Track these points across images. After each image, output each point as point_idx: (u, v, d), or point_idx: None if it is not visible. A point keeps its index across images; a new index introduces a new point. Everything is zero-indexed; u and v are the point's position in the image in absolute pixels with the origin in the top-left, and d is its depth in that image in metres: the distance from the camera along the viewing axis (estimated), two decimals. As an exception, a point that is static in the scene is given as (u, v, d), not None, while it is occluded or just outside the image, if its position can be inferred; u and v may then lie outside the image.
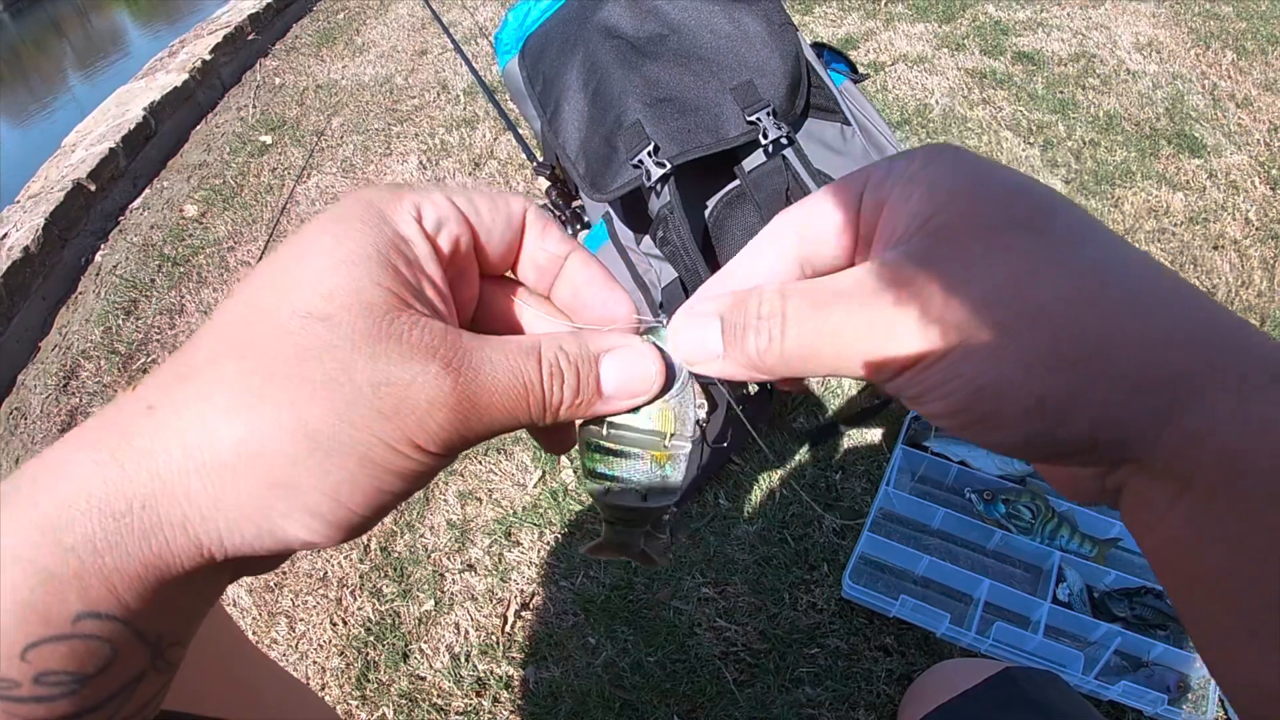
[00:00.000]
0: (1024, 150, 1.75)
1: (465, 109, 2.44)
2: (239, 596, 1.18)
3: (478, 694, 1.01)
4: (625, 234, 1.16)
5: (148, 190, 2.57)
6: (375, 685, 1.04)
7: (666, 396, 0.23)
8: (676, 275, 1.08)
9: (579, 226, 1.28)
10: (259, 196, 2.26)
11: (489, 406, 0.20)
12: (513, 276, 0.25)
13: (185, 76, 2.95)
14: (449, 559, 1.14)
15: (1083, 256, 0.18)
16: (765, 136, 1.04)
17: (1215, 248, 1.48)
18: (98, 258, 2.29)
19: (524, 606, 1.08)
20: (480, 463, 1.26)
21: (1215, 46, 2.16)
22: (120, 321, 1.94)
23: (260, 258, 1.94)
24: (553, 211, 1.34)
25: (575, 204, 1.29)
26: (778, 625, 0.98)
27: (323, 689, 1.05)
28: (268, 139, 2.57)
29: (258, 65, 3.23)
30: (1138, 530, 0.19)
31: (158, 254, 2.14)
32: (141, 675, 0.19)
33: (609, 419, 0.23)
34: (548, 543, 1.12)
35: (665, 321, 0.23)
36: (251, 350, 0.18)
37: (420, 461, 0.19)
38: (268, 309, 0.18)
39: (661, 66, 1.08)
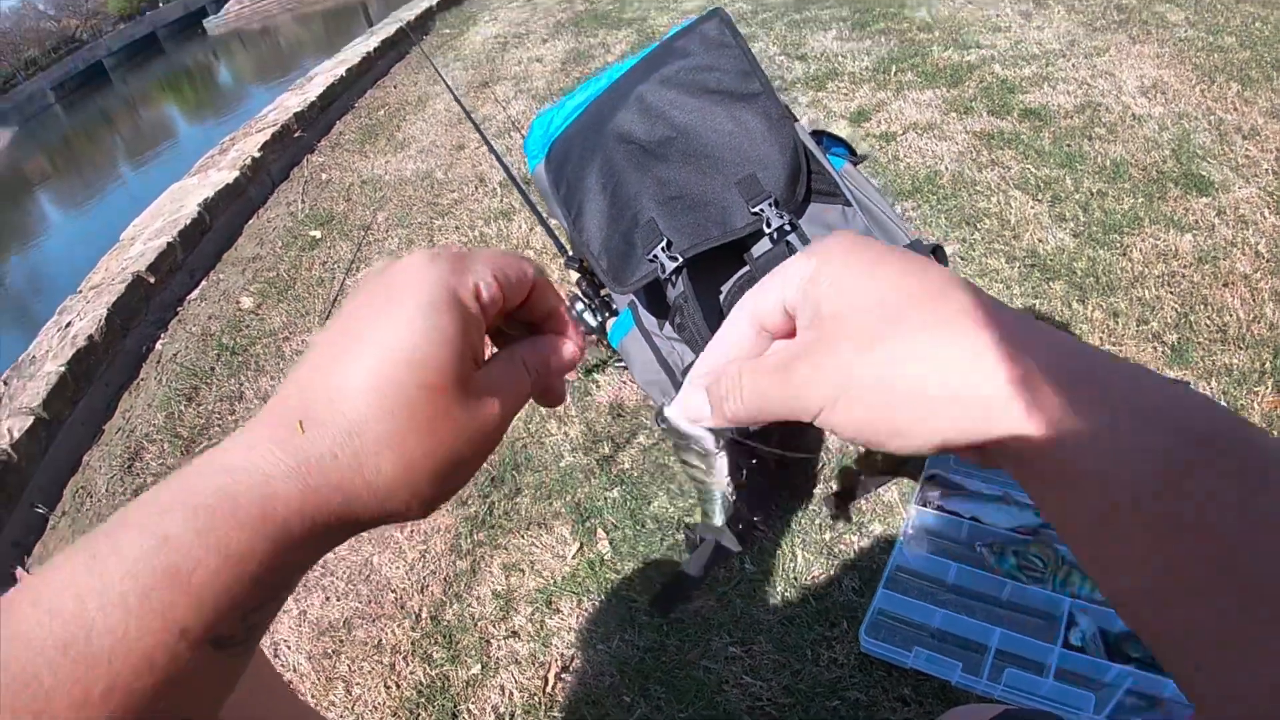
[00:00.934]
0: (1033, 208, 1.81)
1: (502, 201, 2.58)
2: (299, 663, 1.26)
3: (525, 756, 1.08)
4: (649, 320, 1.26)
5: (204, 282, 2.76)
6: (429, 749, 1.11)
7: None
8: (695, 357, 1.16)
9: (607, 314, 1.38)
10: (311, 289, 2.42)
11: (514, 409, 0.31)
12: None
13: (236, 173, 3.17)
14: (494, 626, 1.22)
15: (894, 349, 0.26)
16: (769, 225, 1.14)
17: (1225, 285, 1.50)
18: (158, 346, 2.46)
19: (564, 669, 1.15)
20: (523, 536, 1.34)
21: (1220, 80, 2.20)
22: (182, 407, 2.08)
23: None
24: (583, 300, 1.44)
25: (604, 292, 1.40)
26: (801, 680, 1.04)
27: (381, 754, 1.13)
28: (317, 233, 2.75)
29: (305, 161, 3.46)
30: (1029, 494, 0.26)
31: (216, 343, 2.30)
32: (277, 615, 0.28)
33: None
34: (586, 610, 1.20)
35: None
36: (397, 415, 0.27)
37: (484, 460, 0.31)
38: (401, 381, 0.27)
39: (671, 167, 1.19)
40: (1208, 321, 1.44)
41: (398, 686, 1.19)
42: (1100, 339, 1.43)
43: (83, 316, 2.41)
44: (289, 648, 1.31)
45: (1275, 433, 1.23)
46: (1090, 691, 0.95)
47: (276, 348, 2.19)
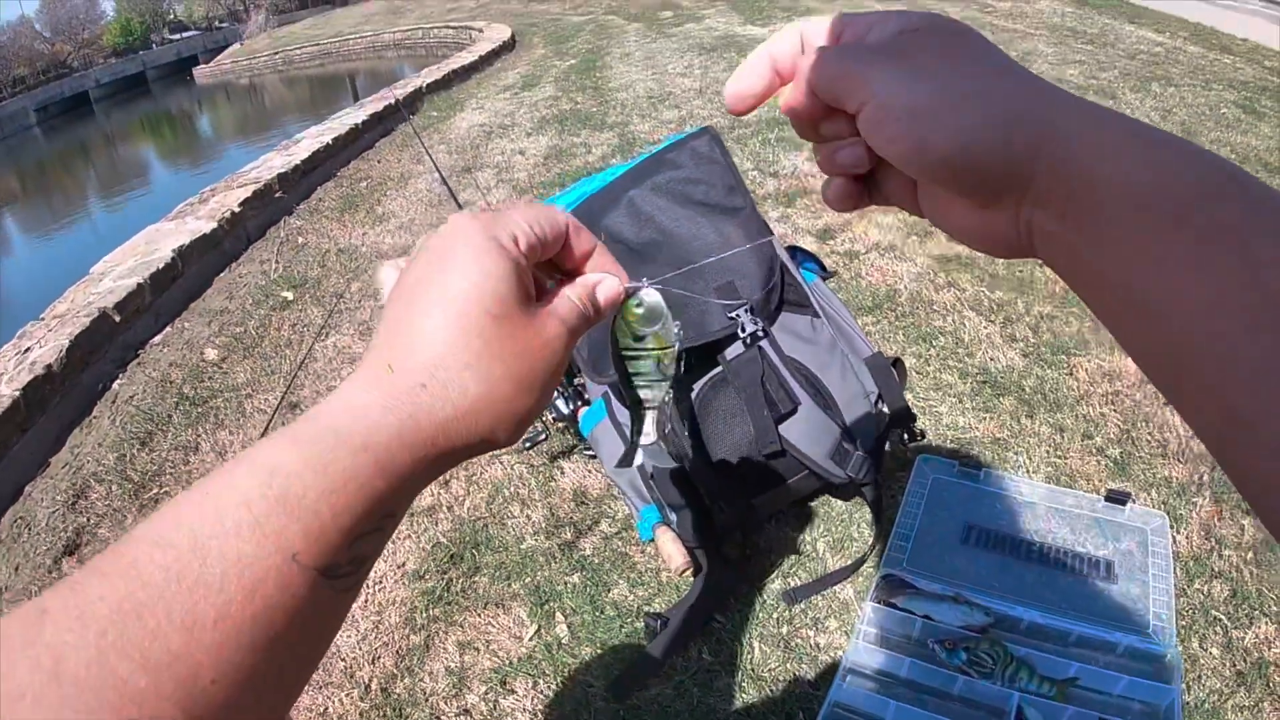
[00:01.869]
0: (985, 328, 1.94)
1: (477, 280, 2.64)
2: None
3: (467, 844, 1.05)
4: (622, 412, 1.31)
5: (169, 328, 2.73)
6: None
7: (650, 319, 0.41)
8: (667, 451, 1.22)
9: (579, 403, 1.44)
10: (279, 349, 2.42)
11: (574, 330, 0.35)
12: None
13: (214, 225, 3.19)
14: (446, 703, 1.21)
15: (980, 59, 0.28)
16: (744, 330, 1.23)
17: (1166, 404, 1.60)
18: (115, 386, 2.41)
19: (515, 755, 1.14)
20: (479, 615, 1.34)
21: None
22: (135, 450, 2.02)
23: (278, 407, 2.06)
24: (557, 389, 1.50)
25: (577, 381, 1.46)
26: (756, 777, 1.05)
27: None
28: (289, 295, 2.77)
29: (283, 222, 3.50)
30: (1048, 260, 0.28)
31: (176, 391, 2.27)
32: (382, 551, 0.30)
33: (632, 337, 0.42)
34: (541, 692, 1.19)
35: (645, 284, 0.41)
36: (473, 344, 0.31)
37: (559, 377, 0.34)
38: (470, 314, 0.31)
39: (656, 268, 1.28)
40: (1149, 437, 1.55)
41: (339, 764, 1.16)
42: (1047, 452, 1.53)
43: (43, 344, 2.36)
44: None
45: (1212, 540, 1.32)
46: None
47: (239, 403, 2.17)
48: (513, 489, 1.62)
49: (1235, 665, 1.13)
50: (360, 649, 1.32)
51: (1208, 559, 1.29)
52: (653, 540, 1.32)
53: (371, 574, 1.48)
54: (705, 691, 1.15)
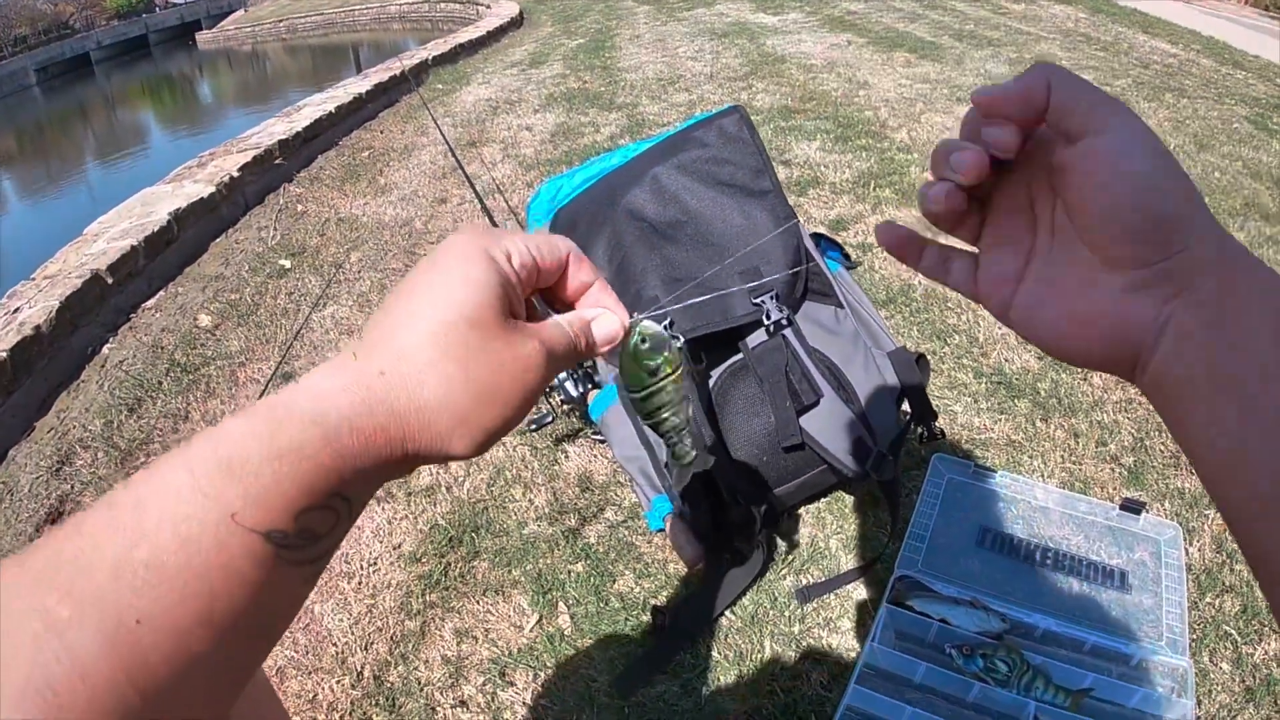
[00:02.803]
0: (1000, 329, 1.90)
1: (480, 257, 2.59)
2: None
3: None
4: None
5: (162, 293, 2.67)
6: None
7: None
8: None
9: (589, 386, 1.39)
10: (274, 318, 2.35)
11: (557, 356, 0.35)
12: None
13: (212, 189, 3.12)
14: (441, 694, 1.16)
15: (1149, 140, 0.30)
16: (768, 317, 1.18)
17: None
18: (105, 350, 2.35)
19: (512, 747, 1.09)
20: (478, 602, 1.30)
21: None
22: (123, 417, 1.97)
23: (272, 376, 2.00)
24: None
25: (586, 364, 1.41)
26: (764, 781, 1.01)
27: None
28: (287, 263, 2.70)
29: (282, 189, 3.42)
30: (1161, 371, 0.30)
31: (168, 357, 2.21)
32: (343, 536, 0.30)
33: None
34: (542, 685, 1.15)
35: (640, 318, 0.40)
36: (440, 342, 0.31)
37: (530, 399, 0.34)
38: (446, 317, 0.31)
39: (680, 249, 1.23)
40: (1162, 447, 1.52)
41: (329, 750, 1.12)
42: (1061, 457, 1.50)
43: (32, 305, 2.29)
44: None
45: (1224, 554, 1.29)
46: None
47: (231, 371, 2.11)
48: (515, 471, 1.57)
49: (1244, 681, 1.11)
50: (353, 633, 1.27)
51: (1219, 573, 1.27)
52: (663, 530, 1.27)
53: (366, 554, 1.43)
54: (713, 690, 1.11)
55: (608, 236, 1.28)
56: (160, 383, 2.10)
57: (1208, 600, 1.22)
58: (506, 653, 1.21)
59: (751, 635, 1.18)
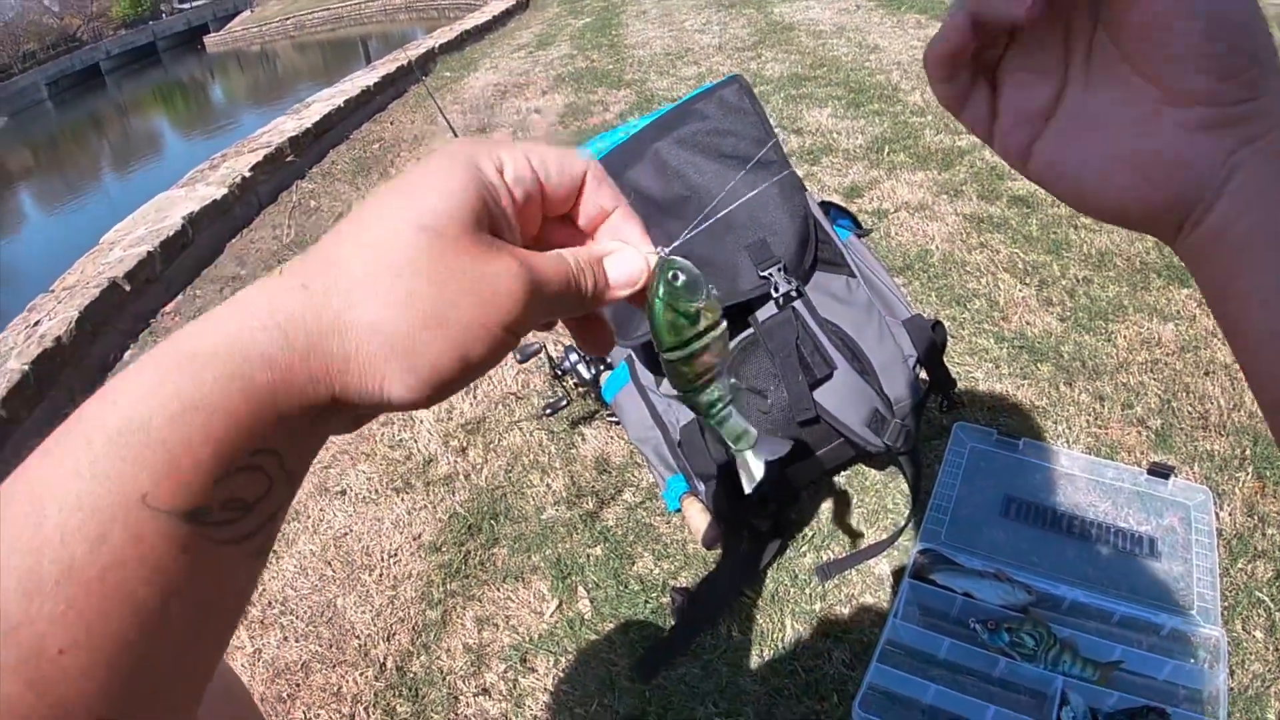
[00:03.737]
0: (1020, 291, 1.86)
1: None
2: (252, 713, 1.19)
3: (488, 825, 1.01)
4: (646, 376, 1.25)
5: (180, 297, 2.70)
6: (385, 812, 1.05)
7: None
8: (694, 417, 1.15)
9: (602, 367, 1.37)
10: (291, 313, 2.37)
11: (546, 291, 0.27)
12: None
13: (225, 190, 3.14)
14: (464, 682, 1.17)
15: None
16: (777, 290, 1.15)
17: (1206, 374, 1.54)
18: (126, 356, 2.39)
19: (536, 733, 1.09)
20: (498, 589, 1.30)
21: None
22: (146, 425, 2.00)
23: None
24: (576, 352, 1.43)
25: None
26: (788, 759, 1.00)
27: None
28: (302, 258, 2.72)
29: (295, 186, 3.44)
30: (1243, 205, 0.26)
31: (188, 360, 2.23)
32: (282, 505, 0.25)
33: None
34: (563, 670, 1.15)
35: (663, 251, 0.32)
36: (383, 251, 0.24)
37: (498, 337, 0.26)
38: (394, 222, 0.25)
39: (684, 225, 1.20)
40: (1190, 409, 1.47)
41: (355, 740, 1.13)
42: (1086, 421, 1.46)
43: (52, 317, 2.33)
44: (241, 690, 1.23)
45: (1255, 518, 1.25)
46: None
47: (251, 371, 2.13)
48: (532, 456, 1.57)
49: (1279, 649, 1.07)
50: (375, 625, 1.28)
51: (1251, 537, 1.22)
52: (679, 511, 1.26)
53: (386, 546, 1.44)
54: (734, 671, 1.10)
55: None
56: (182, 384, 2.12)
57: (1239, 566, 1.18)
58: (527, 639, 1.20)
59: (772, 614, 1.16)
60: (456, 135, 1.75)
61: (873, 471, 1.37)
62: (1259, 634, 1.09)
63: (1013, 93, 0.29)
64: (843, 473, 1.38)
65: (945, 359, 1.28)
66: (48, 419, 2.09)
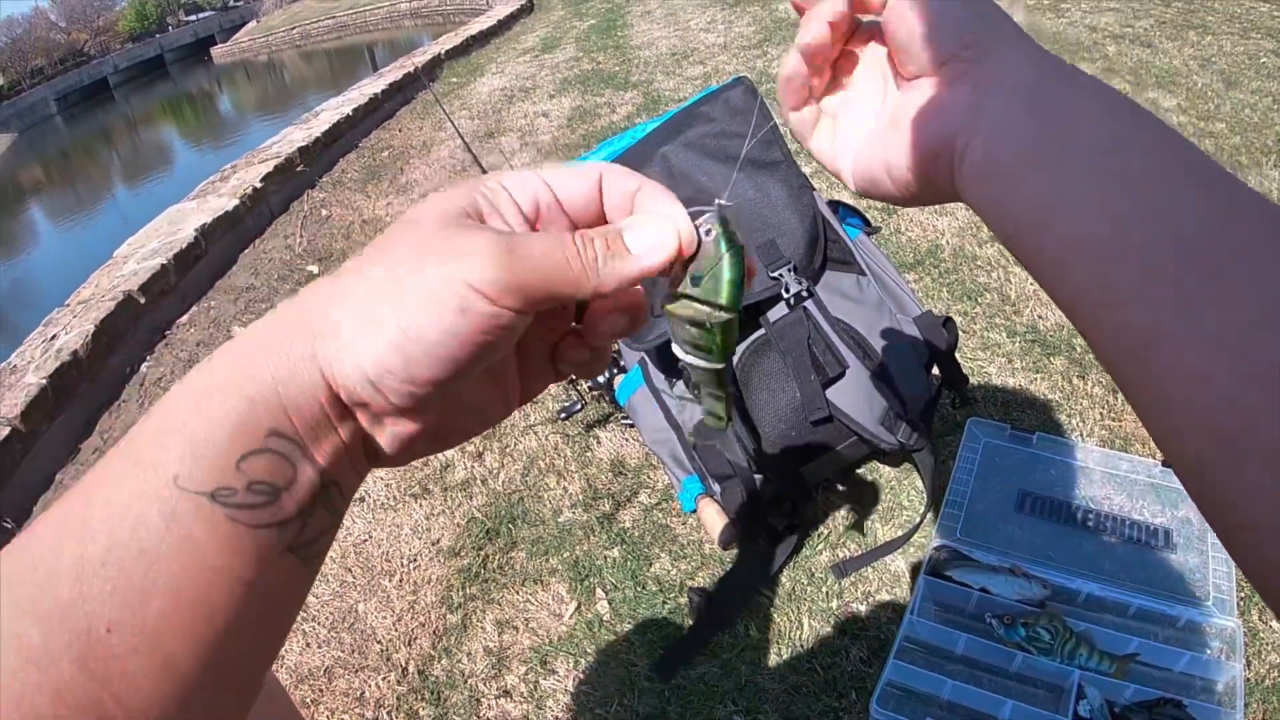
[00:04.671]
0: (1032, 284, 1.85)
1: (503, 247, 2.58)
2: (277, 718, 1.21)
3: (512, 825, 1.03)
4: (659, 379, 1.25)
5: (195, 308, 2.73)
6: (411, 814, 1.06)
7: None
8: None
9: (615, 370, 1.38)
10: (305, 322, 2.39)
11: (529, 256, 0.25)
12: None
13: (236, 201, 3.17)
14: (485, 685, 1.18)
15: None
16: (787, 291, 1.16)
17: None
18: (143, 369, 2.42)
19: (557, 734, 1.11)
20: (518, 592, 1.31)
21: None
22: (166, 435, 2.02)
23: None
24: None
25: (613, 349, 1.40)
26: (809, 757, 1.01)
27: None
28: (314, 269, 2.74)
29: (305, 196, 3.47)
30: (999, 134, 0.30)
31: (205, 371, 2.26)
32: (314, 500, 0.25)
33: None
34: (583, 671, 1.16)
35: (716, 207, 0.29)
36: (380, 248, 0.26)
37: (468, 296, 0.24)
38: (390, 230, 0.27)
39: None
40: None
41: (380, 744, 1.14)
42: (1100, 414, 1.45)
43: (69, 330, 2.36)
44: (266, 696, 1.25)
45: None
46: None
47: (267, 380, 2.15)
48: (548, 460, 1.58)
49: (1295, 640, 1.07)
50: (396, 630, 1.30)
51: (1270, 525, 1.21)
52: (695, 512, 1.27)
53: (406, 551, 1.46)
54: (753, 669, 1.11)
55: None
56: (199, 395, 2.15)
57: (1260, 554, 1.18)
58: (547, 641, 1.22)
59: (789, 612, 1.17)
60: (466, 142, 1.77)
61: (887, 469, 1.38)
62: (1275, 624, 1.09)
63: (842, 119, 0.39)
64: (857, 470, 1.38)
65: (957, 355, 1.28)
66: (66, 431, 2.12)
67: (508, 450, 1.64)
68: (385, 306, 0.24)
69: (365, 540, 1.50)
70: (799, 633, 1.15)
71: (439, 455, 1.66)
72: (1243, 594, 1.12)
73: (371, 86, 4.77)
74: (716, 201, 0.29)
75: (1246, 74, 3.04)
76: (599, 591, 1.28)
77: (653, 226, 0.28)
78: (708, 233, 0.28)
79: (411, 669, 1.23)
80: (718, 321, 0.29)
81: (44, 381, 2.09)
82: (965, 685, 1.02)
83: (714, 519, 1.23)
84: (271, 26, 23.28)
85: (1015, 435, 1.38)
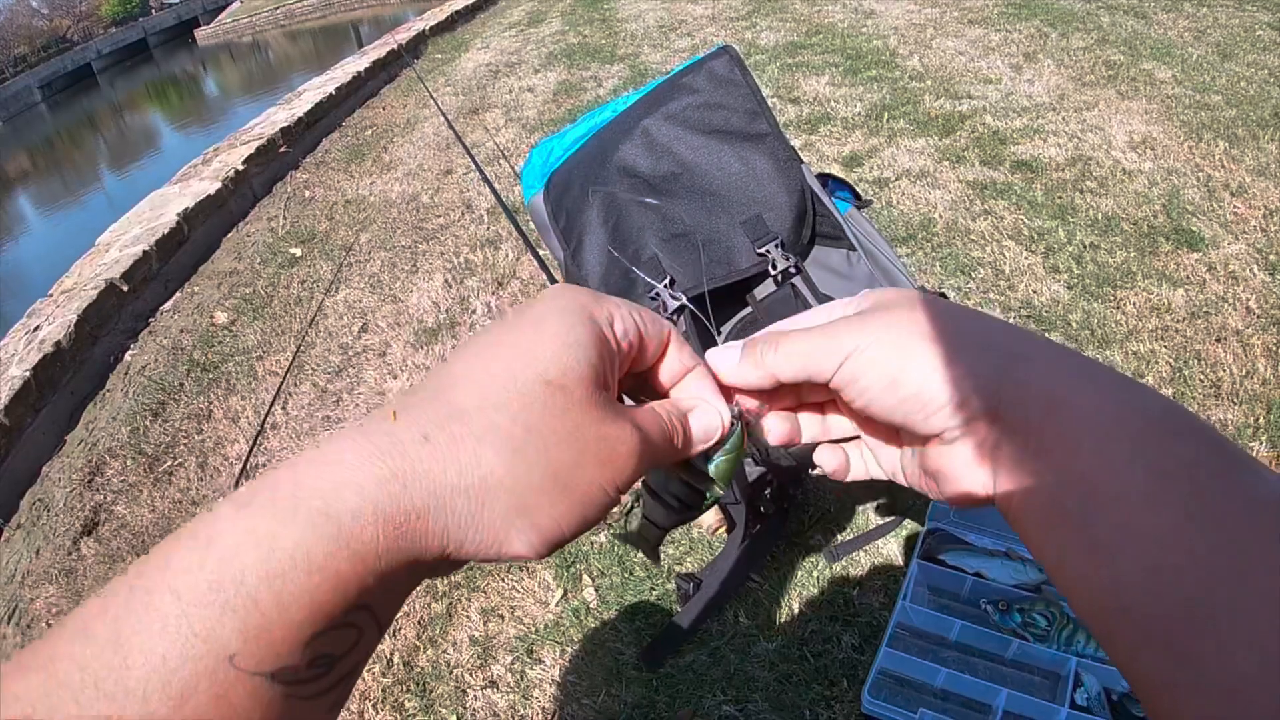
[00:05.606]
0: (1026, 259, 1.82)
1: (489, 229, 2.54)
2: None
3: (500, 819, 1.01)
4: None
5: (179, 294, 2.68)
6: (396, 809, 1.04)
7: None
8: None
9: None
10: (288, 308, 2.35)
11: (653, 451, 0.27)
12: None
13: (218, 185, 3.11)
14: (471, 675, 1.16)
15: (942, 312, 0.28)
16: (774, 267, 1.12)
17: (1218, 340, 1.51)
18: (127, 357, 2.37)
19: (545, 724, 1.08)
20: (503, 580, 1.28)
21: (1207, 137, 2.24)
22: (148, 423, 1.99)
23: (288, 368, 2.00)
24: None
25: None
26: (800, 746, 0.99)
27: (344, 813, 1.05)
28: (297, 251, 2.69)
29: (289, 177, 3.41)
30: (1006, 489, 0.26)
31: (187, 358, 2.22)
32: (365, 656, 0.24)
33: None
34: (569, 660, 1.14)
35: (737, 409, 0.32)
36: (510, 406, 0.24)
37: (612, 498, 0.26)
38: (519, 375, 0.24)
39: (675, 202, 1.17)
40: (1201, 376, 1.43)
41: (365, 737, 1.12)
42: (1097, 394, 1.42)
43: (52, 321, 2.32)
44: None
45: None
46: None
47: (249, 366, 2.11)
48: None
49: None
50: (381, 619, 1.27)
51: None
52: (681, 498, 1.24)
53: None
54: (742, 657, 1.08)
55: (602, 196, 1.22)
56: (182, 384, 2.12)
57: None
58: (533, 630, 1.19)
59: (780, 598, 1.15)
60: (449, 120, 1.71)
61: (879, 449, 1.35)
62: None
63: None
64: (849, 451, 1.35)
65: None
66: (50, 423, 2.08)
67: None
68: (545, 498, 0.24)
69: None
70: (790, 619, 1.12)
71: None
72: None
73: (355, 64, 4.67)
74: (733, 407, 0.32)
75: (1242, 46, 2.98)
76: (585, 578, 1.25)
77: (709, 417, 0.31)
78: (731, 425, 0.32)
79: (396, 660, 1.20)
80: (714, 496, 0.34)
81: (28, 374, 2.05)
82: (959, 673, 0.99)
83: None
84: (255, 7, 22.91)
85: (1010, 412, 1.35)
